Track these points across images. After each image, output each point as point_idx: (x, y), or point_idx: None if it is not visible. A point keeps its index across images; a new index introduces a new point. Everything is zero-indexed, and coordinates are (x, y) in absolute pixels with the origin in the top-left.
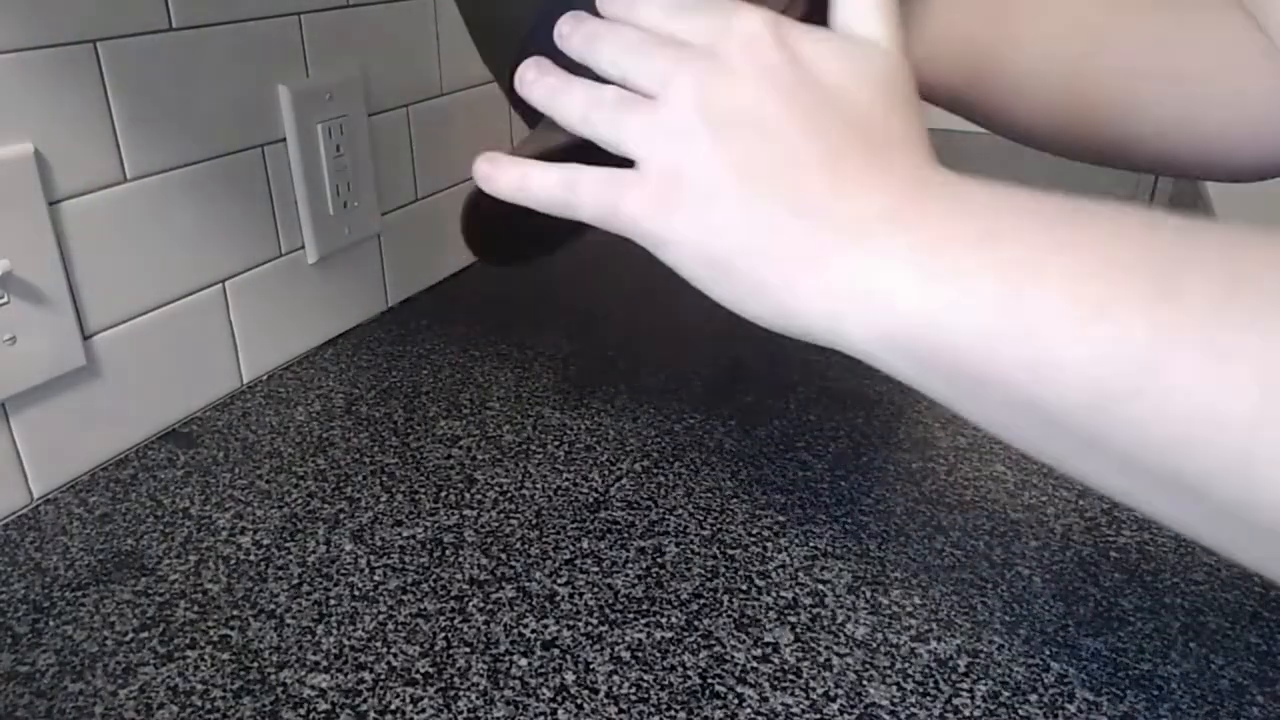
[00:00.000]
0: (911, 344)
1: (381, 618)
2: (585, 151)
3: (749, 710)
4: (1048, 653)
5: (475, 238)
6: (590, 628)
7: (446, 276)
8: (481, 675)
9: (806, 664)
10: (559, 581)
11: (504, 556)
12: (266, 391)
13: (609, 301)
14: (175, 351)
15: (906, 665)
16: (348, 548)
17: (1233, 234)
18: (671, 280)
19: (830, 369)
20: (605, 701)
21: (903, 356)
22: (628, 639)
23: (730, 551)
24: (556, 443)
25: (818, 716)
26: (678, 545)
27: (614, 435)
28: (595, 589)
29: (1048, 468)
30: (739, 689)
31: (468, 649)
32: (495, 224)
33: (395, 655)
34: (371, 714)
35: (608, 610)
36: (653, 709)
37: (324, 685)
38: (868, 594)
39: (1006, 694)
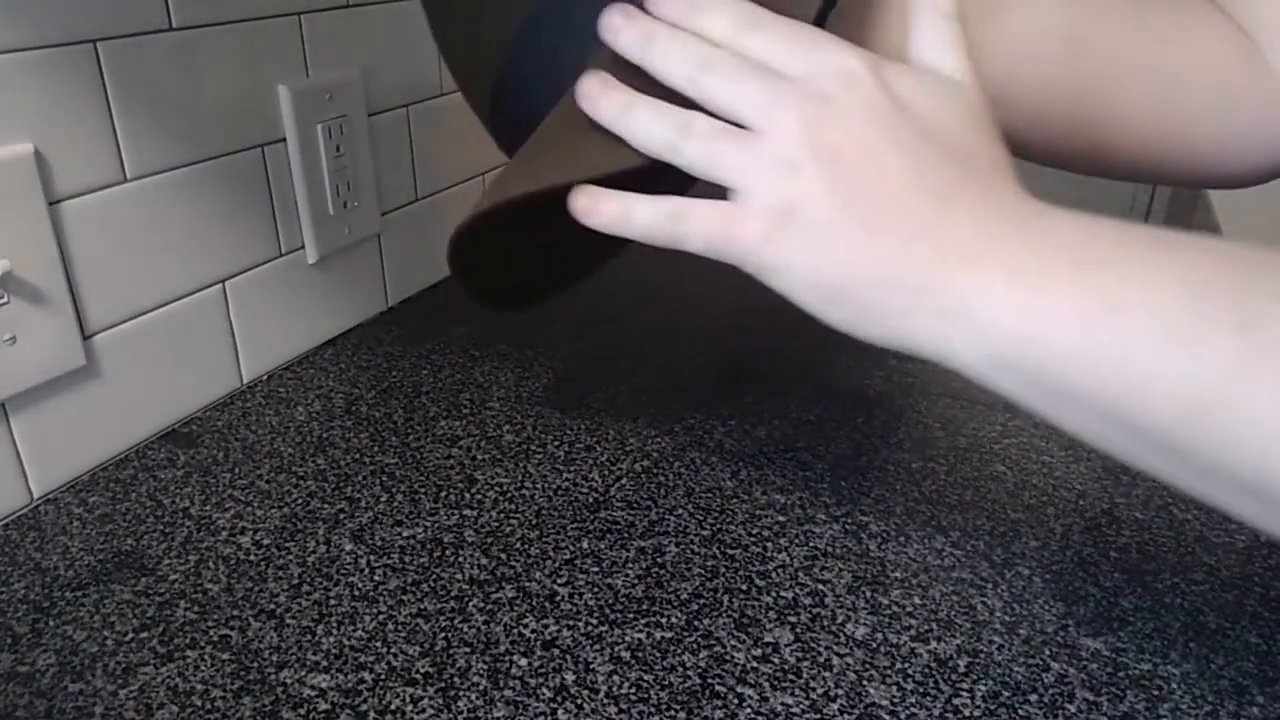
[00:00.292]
0: (1013, 363)
1: (381, 618)
2: (648, 174)
3: (749, 710)
4: (1048, 653)
5: (470, 280)
6: (590, 628)
7: (446, 276)
8: (481, 675)
9: (806, 664)
10: (559, 581)
11: (504, 556)
12: (266, 391)
13: (609, 301)
14: (175, 351)
15: (906, 665)
16: (348, 548)
17: None
18: (671, 280)
19: (830, 369)
20: (605, 701)
21: (1005, 374)
22: (628, 639)
23: (730, 551)
24: (556, 443)
25: (818, 716)
26: (678, 545)
27: (614, 435)
28: (595, 589)
29: (1048, 467)
30: (739, 689)
31: (468, 649)
32: (485, 273)
33: (395, 655)
34: (371, 714)
35: (608, 610)
36: (653, 709)
37: (324, 685)
38: (868, 594)
39: (1006, 694)
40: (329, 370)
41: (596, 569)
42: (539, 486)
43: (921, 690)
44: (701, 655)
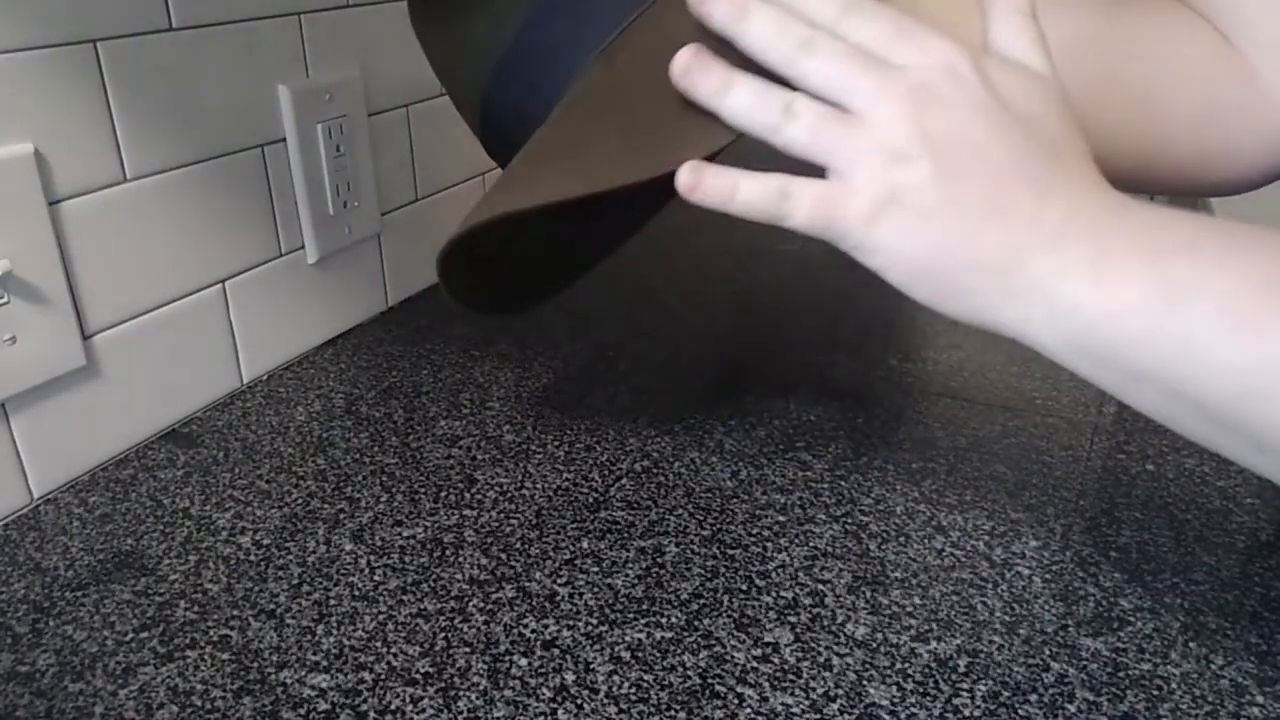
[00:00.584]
0: (1086, 343)
1: (381, 618)
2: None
3: (749, 710)
4: (1048, 653)
5: (456, 285)
6: (590, 628)
7: None
8: (481, 675)
9: (806, 664)
10: (559, 581)
11: (504, 556)
12: (266, 391)
13: (609, 301)
14: (175, 351)
15: (906, 665)
16: (348, 548)
17: None
18: (672, 280)
19: (830, 369)
20: (605, 701)
21: (1079, 353)
22: (628, 639)
23: (730, 551)
24: (556, 443)
25: (818, 716)
26: (678, 545)
27: (614, 435)
28: (595, 589)
29: (1048, 467)
30: (739, 689)
31: (468, 649)
32: (475, 278)
33: (395, 655)
34: (371, 714)
35: (608, 610)
36: (653, 709)
37: (324, 685)
38: (868, 594)
39: (1006, 694)
40: (329, 370)
41: (596, 569)
42: (539, 486)
43: (921, 690)
44: (701, 655)
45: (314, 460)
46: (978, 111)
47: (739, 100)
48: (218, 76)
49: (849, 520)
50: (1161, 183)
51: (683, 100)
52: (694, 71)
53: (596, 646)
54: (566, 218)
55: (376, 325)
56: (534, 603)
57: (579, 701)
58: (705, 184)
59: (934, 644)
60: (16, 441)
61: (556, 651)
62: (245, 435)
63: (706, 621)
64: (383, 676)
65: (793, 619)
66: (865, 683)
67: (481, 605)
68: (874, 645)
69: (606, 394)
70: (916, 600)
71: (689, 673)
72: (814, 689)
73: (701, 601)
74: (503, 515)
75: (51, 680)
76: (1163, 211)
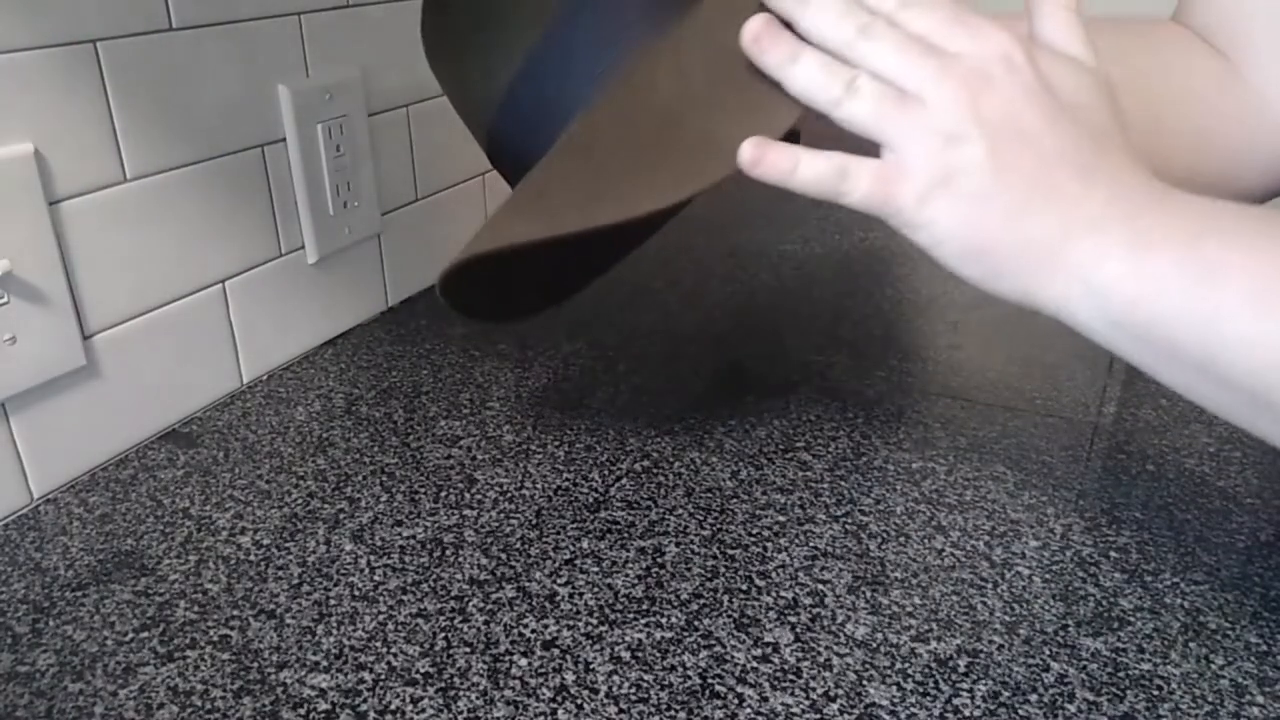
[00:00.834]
0: (1122, 321)
1: (381, 618)
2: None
3: (749, 710)
4: (1048, 653)
5: (457, 296)
6: (590, 628)
7: None
8: (481, 675)
9: (806, 664)
10: (559, 581)
11: (504, 556)
12: (266, 391)
13: (609, 301)
14: (175, 351)
15: (906, 665)
16: (348, 548)
17: None
18: (672, 280)
19: (830, 369)
20: (605, 701)
21: (1116, 330)
22: (628, 639)
23: (730, 551)
24: (556, 443)
25: (818, 716)
26: (678, 545)
27: (614, 435)
28: (595, 589)
29: (1048, 467)
30: (739, 689)
31: (468, 649)
32: (478, 287)
33: (395, 655)
34: (371, 714)
35: (608, 610)
36: (653, 709)
37: (324, 685)
38: (868, 594)
39: (1006, 694)
40: (329, 370)
41: (596, 569)
42: (539, 486)
43: (921, 690)
44: (701, 655)
45: (314, 460)
46: (1030, 99)
47: (805, 72)
48: (218, 76)
49: (849, 520)
50: None
51: (695, 127)
52: (764, 39)
53: (596, 646)
54: (574, 244)
55: (376, 325)
56: (534, 603)
57: (579, 701)
58: (768, 159)
59: (934, 644)
60: (16, 441)
61: (556, 651)
62: (245, 435)
63: (706, 621)
64: (383, 676)
65: (793, 619)
66: (865, 683)
67: (481, 605)
68: (874, 645)
69: (606, 394)
70: (916, 600)
71: (689, 673)
72: (814, 689)
73: (701, 601)
74: (503, 515)
75: (51, 680)
76: (1200, 199)
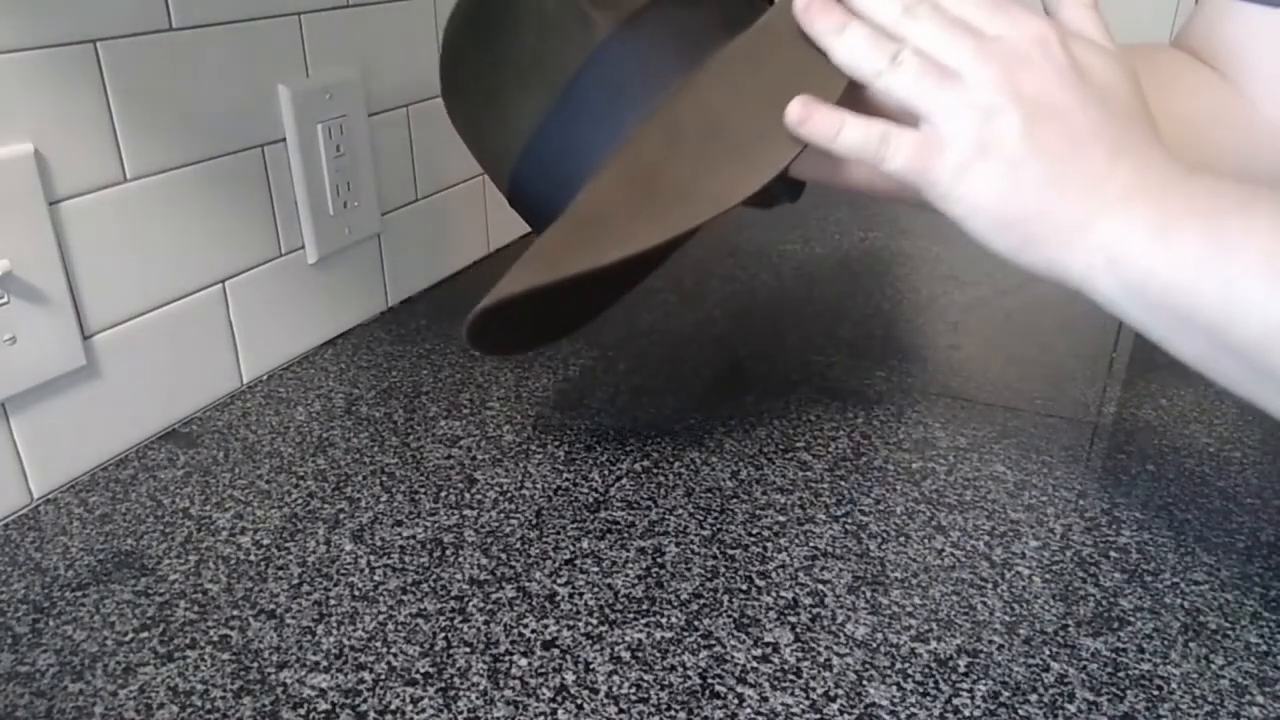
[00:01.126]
0: (1141, 291)
1: (381, 618)
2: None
3: (749, 710)
4: (1048, 653)
5: (483, 339)
6: (590, 628)
7: (446, 276)
8: (481, 675)
9: (806, 664)
10: (559, 581)
11: (504, 556)
12: (266, 391)
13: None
14: (175, 351)
15: (906, 665)
16: (348, 548)
17: None
18: (671, 280)
19: (830, 369)
20: (605, 701)
21: (1133, 299)
22: (628, 639)
23: (730, 551)
24: (556, 443)
25: (818, 716)
26: (678, 545)
27: (614, 435)
28: (595, 589)
29: (1048, 467)
30: (739, 689)
31: (468, 649)
32: (501, 330)
33: (395, 655)
34: (371, 714)
35: (608, 610)
36: (653, 709)
37: (324, 685)
38: (868, 594)
39: (1006, 694)
40: (329, 370)
41: (596, 569)
42: (539, 486)
43: (921, 690)
44: (701, 655)
45: (314, 460)
46: (1064, 80)
47: (851, 42)
48: (218, 76)
49: (849, 520)
50: None
51: (732, 140)
52: (814, 8)
53: (596, 646)
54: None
55: (376, 325)
56: (534, 603)
57: (579, 701)
58: (814, 118)
59: (934, 644)
60: (16, 441)
61: (556, 651)
62: (245, 435)
63: (706, 621)
64: (383, 676)
65: (793, 619)
66: (865, 683)
67: (481, 605)
68: (874, 645)
69: (606, 394)
70: (916, 600)
71: (689, 673)
72: (814, 689)
73: (701, 601)
74: (503, 515)
75: (51, 680)
76: (1222, 180)
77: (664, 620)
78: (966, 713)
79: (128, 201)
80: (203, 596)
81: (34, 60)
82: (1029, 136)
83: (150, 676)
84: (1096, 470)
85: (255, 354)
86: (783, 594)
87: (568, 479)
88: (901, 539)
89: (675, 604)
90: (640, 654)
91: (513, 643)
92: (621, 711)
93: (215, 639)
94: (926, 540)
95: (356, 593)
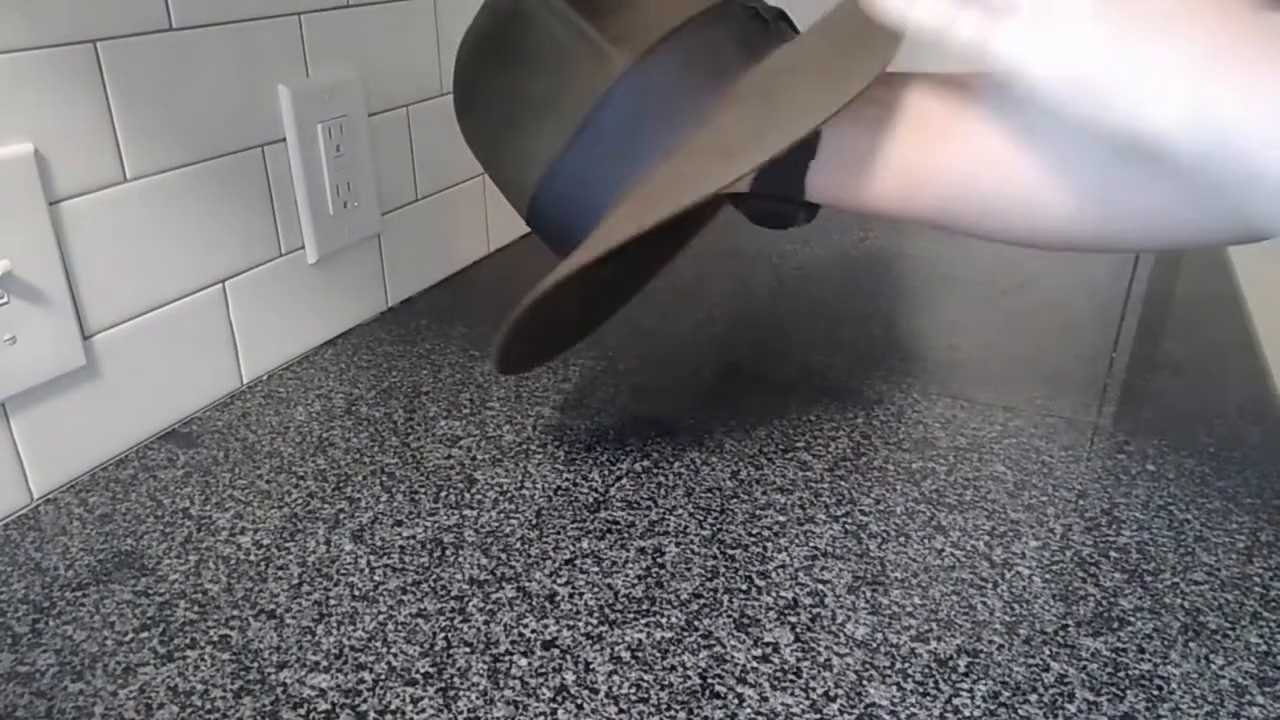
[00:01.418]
0: (1214, 149)
1: (381, 618)
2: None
3: (749, 710)
4: (1048, 653)
5: (509, 359)
6: (590, 628)
7: (446, 276)
8: (481, 675)
9: (806, 664)
10: (559, 581)
11: (504, 556)
12: (266, 391)
13: None
14: (175, 351)
15: (906, 665)
16: (348, 548)
17: None
18: (671, 280)
19: (830, 369)
20: (605, 701)
21: (1205, 156)
22: (628, 639)
23: (730, 551)
24: (556, 443)
25: (818, 716)
26: (678, 545)
27: (614, 435)
28: (595, 589)
29: (1048, 467)
30: (739, 689)
31: (468, 649)
32: (526, 346)
33: (395, 655)
34: (371, 714)
35: (608, 610)
36: (653, 709)
37: (324, 685)
38: (868, 594)
39: (1006, 694)
40: (329, 370)
41: (596, 569)
42: (539, 486)
43: (921, 690)
44: (701, 655)
45: (314, 460)
46: None
47: None
48: (218, 76)
49: (849, 520)
50: (1184, 240)
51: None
52: None
53: (596, 646)
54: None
55: (376, 325)
56: (534, 603)
57: (579, 701)
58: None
59: (934, 644)
60: (16, 441)
61: (556, 651)
62: (245, 435)
63: (706, 621)
64: (383, 676)
65: (793, 619)
66: (865, 683)
67: (481, 605)
68: (874, 645)
69: (606, 394)
70: (916, 600)
71: (689, 673)
72: (814, 689)
73: (701, 601)
74: (503, 515)
75: (51, 680)
76: None
77: (664, 620)
78: (966, 713)
79: (128, 201)
80: (203, 596)
81: (34, 60)
82: None
83: (150, 676)
84: (1096, 470)
85: (255, 354)
86: (783, 594)
87: (568, 479)
88: (901, 539)
89: (675, 604)
90: (640, 654)
91: (513, 643)
92: (621, 711)
93: (215, 639)
94: (926, 540)
95: (356, 593)
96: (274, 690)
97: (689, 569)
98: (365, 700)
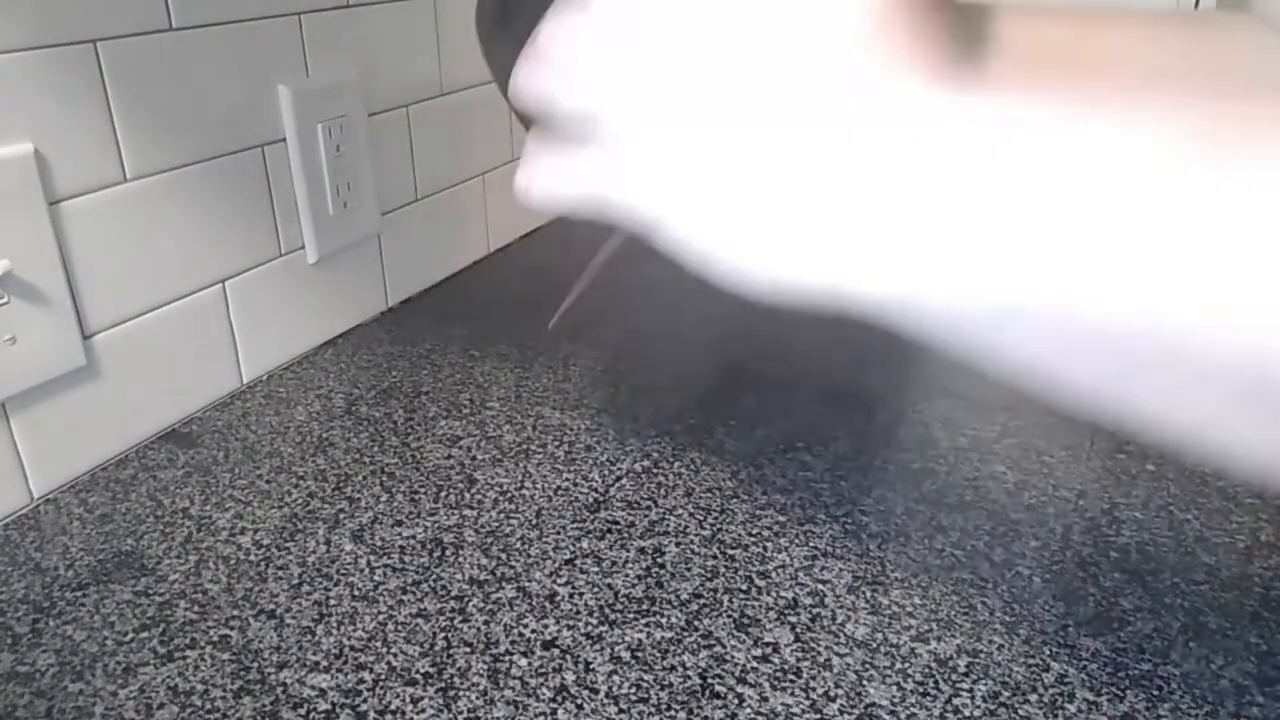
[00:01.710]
0: (999, 314)
1: (381, 618)
2: None
3: (749, 710)
4: (1048, 653)
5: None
6: (590, 628)
7: (446, 276)
8: (481, 675)
9: (806, 664)
10: (559, 581)
11: (504, 556)
12: (266, 391)
13: (609, 301)
14: (175, 351)
15: (906, 665)
16: (348, 548)
17: None
18: (671, 280)
19: (830, 369)
20: (605, 701)
21: (971, 326)
22: (628, 639)
23: (730, 551)
24: (556, 443)
25: (818, 716)
26: (678, 545)
27: (614, 435)
28: (595, 589)
29: (1048, 467)
30: (739, 689)
31: (468, 649)
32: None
33: (395, 655)
34: (371, 714)
35: (608, 610)
36: (653, 709)
37: (324, 685)
38: (868, 594)
39: (1006, 694)
40: (329, 370)
41: (596, 569)
42: (539, 486)
43: (921, 690)
44: (701, 655)
45: (314, 460)
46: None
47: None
48: (218, 76)
49: (849, 520)
50: None
51: None
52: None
53: (596, 646)
54: None
55: (376, 325)
56: (534, 603)
57: (579, 701)
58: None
59: (934, 644)
60: (16, 441)
61: (556, 651)
62: (245, 435)
63: (706, 621)
64: (383, 676)
65: (793, 619)
66: (865, 683)
67: (481, 605)
68: (874, 645)
69: (606, 394)
70: (916, 600)
71: (689, 673)
72: (814, 689)
73: (701, 601)
74: (503, 515)
75: (51, 680)
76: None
77: (664, 620)
78: (966, 713)
79: (128, 201)
80: (203, 596)
81: (34, 60)
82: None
83: (150, 676)
84: (1096, 470)
85: (255, 354)
86: (783, 594)
87: (568, 479)
88: (901, 539)
89: (675, 604)
90: (640, 654)
91: (513, 643)
92: (621, 711)
93: (215, 639)
94: (926, 540)
95: (356, 593)
96: (274, 690)
97: (689, 569)
98: (365, 700)
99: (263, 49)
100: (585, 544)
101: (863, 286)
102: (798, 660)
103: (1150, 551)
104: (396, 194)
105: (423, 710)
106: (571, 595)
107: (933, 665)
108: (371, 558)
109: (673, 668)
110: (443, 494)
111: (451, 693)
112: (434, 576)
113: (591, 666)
